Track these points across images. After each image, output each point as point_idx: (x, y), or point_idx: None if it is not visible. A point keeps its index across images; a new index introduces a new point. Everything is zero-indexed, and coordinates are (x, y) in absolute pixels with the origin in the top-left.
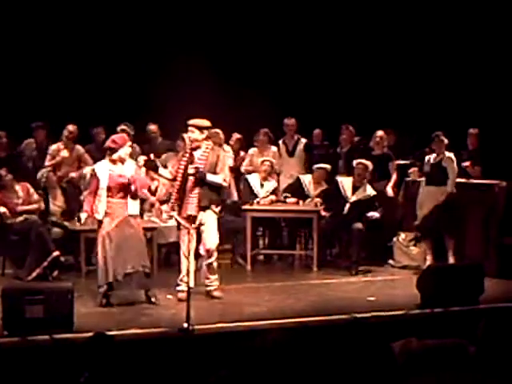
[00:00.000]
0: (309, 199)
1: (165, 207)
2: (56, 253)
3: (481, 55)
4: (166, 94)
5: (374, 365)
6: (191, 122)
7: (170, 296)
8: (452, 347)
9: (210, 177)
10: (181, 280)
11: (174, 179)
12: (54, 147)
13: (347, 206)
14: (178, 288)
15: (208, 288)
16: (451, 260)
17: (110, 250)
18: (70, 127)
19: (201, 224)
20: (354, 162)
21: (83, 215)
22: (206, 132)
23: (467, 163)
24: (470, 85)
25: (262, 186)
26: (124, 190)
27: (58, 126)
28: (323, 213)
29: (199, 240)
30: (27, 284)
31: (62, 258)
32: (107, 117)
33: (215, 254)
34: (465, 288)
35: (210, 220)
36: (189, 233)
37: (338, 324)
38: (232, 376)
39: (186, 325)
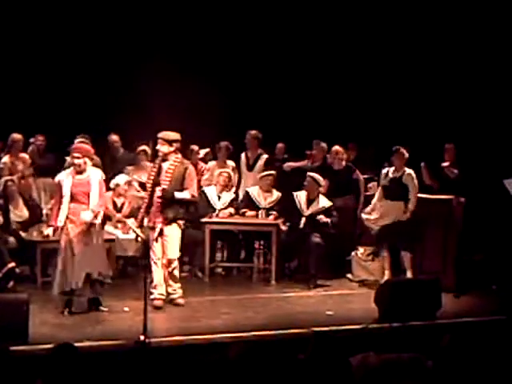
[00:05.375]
0: (261, 210)
1: (130, 221)
2: (11, 264)
3: (455, 71)
4: (126, 104)
5: (333, 379)
6: (160, 134)
7: (126, 308)
8: (409, 361)
9: (178, 195)
10: (154, 288)
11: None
12: (5, 160)
13: (303, 219)
14: (152, 296)
15: (171, 296)
16: (409, 275)
17: (71, 256)
18: (15, 136)
19: (161, 235)
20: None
21: (49, 230)
22: (174, 145)
23: (446, 163)
24: (443, 99)
25: (219, 198)
26: (88, 197)
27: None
28: (282, 226)
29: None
30: None
31: (18, 270)
32: (66, 126)
33: (175, 263)
34: (422, 303)
35: (173, 233)
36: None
37: (296, 338)
38: None
39: (142, 337)
